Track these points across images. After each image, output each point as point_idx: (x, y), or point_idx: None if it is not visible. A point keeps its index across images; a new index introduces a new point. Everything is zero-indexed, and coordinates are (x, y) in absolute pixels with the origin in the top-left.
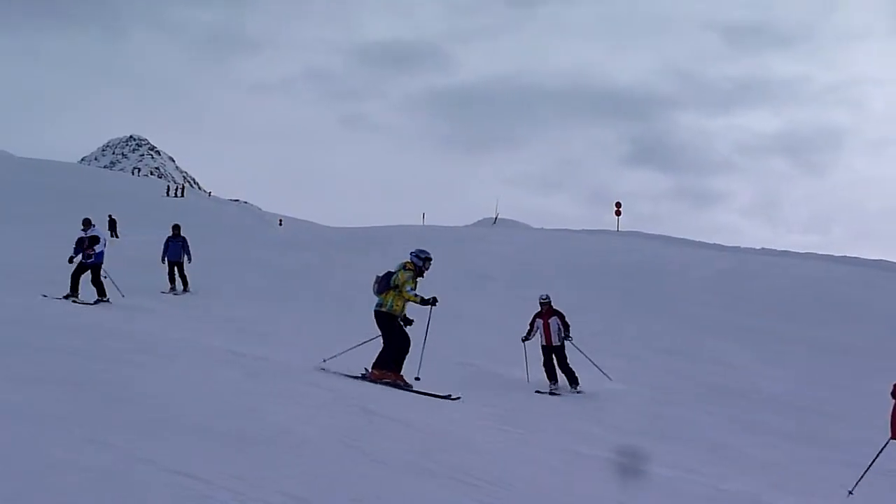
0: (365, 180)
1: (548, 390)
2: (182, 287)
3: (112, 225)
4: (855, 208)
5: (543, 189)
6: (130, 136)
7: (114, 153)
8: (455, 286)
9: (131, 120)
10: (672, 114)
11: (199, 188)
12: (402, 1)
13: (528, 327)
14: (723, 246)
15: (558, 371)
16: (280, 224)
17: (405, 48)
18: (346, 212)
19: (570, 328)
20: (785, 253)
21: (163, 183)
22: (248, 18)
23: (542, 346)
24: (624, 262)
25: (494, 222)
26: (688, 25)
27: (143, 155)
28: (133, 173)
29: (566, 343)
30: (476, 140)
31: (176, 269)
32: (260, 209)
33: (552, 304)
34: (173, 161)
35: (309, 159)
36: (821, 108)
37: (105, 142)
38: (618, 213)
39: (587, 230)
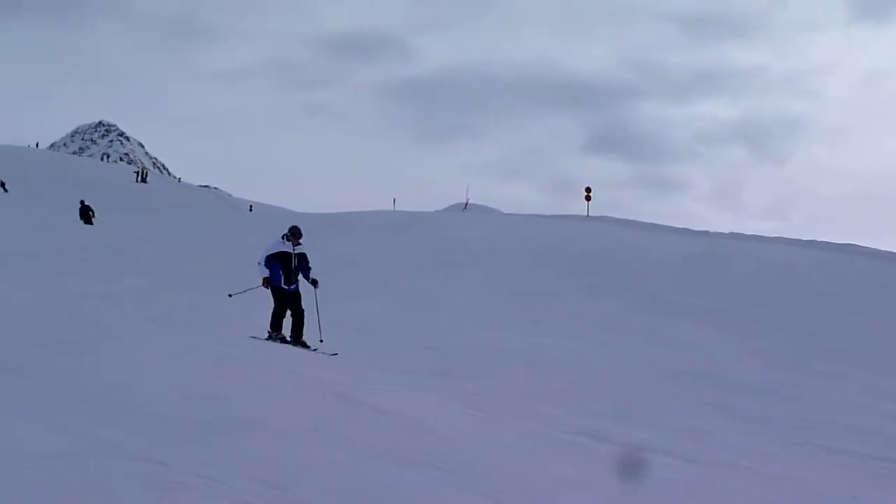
0: (333, 168)
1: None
2: None
3: (85, 212)
4: (813, 195)
5: (507, 177)
6: (99, 122)
7: (83, 139)
8: (427, 272)
9: (99, 107)
10: (631, 103)
11: (169, 174)
12: None
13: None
14: (691, 230)
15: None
16: (251, 210)
17: (366, 38)
18: (317, 198)
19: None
20: (753, 237)
21: (132, 168)
22: (207, 9)
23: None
24: (594, 246)
25: (465, 208)
26: (644, 16)
27: (112, 141)
28: (103, 159)
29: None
30: (439, 129)
31: None
32: (230, 195)
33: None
34: (143, 147)
35: (275, 147)
36: (778, 97)
37: (74, 128)
38: (587, 199)
39: (557, 215)
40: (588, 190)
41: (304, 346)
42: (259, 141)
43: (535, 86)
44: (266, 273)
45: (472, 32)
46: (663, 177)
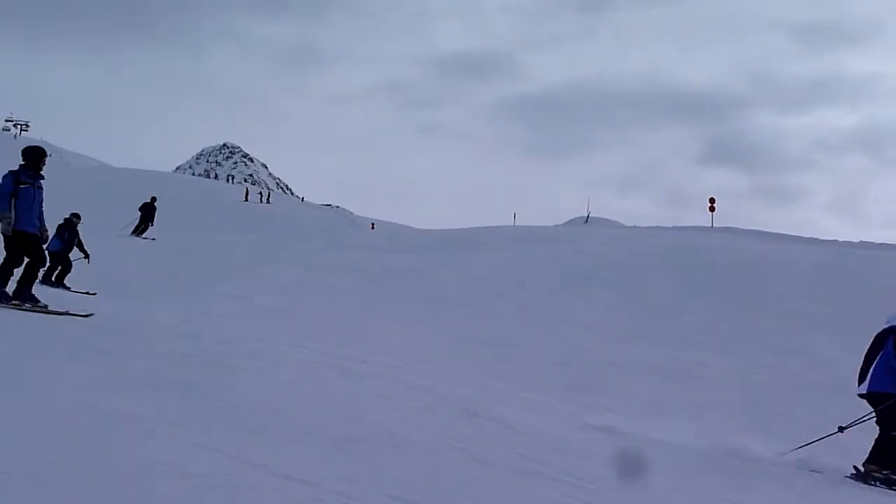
0: (450, 185)
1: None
2: None
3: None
4: None
5: (625, 190)
6: (224, 145)
7: (207, 161)
8: (554, 286)
9: (223, 129)
10: (746, 113)
11: (293, 194)
12: (474, 13)
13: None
14: (819, 240)
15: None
16: (372, 227)
17: (479, 58)
18: (437, 215)
19: None
20: (884, 245)
21: (255, 189)
22: (323, 33)
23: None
24: (722, 257)
25: (586, 221)
26: (756, 26)
27: (236, 163)
28: (228, 180)
29: None
30: (555, 144)
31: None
32: (352, 213)
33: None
34: (266, 168)
35: (393, 166)
36: None
37: (199, 150)
38: (712, 209)
39: (681, 227)
40: (712, 201)
41: None
42: (377, 160)
43: (648, 99)
44: None
45: (583, 48)
46: (782, 187)
